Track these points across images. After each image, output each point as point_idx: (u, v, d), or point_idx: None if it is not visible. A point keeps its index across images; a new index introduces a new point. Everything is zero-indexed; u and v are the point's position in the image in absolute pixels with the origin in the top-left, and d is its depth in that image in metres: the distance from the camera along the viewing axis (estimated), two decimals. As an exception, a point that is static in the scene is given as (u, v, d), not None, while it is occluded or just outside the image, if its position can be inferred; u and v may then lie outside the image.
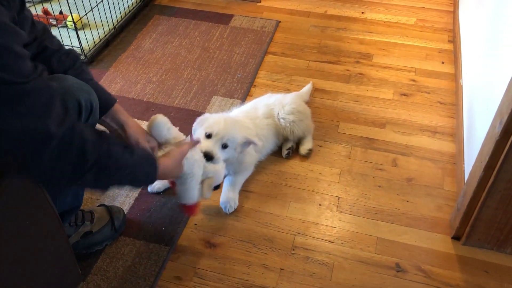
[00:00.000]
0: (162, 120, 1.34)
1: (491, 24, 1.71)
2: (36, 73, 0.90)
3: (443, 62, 2.21)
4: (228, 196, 1.57)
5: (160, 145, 1.35)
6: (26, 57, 0.88)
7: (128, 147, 1.13)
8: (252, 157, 1.65)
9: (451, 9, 2.58)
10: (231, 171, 1.60)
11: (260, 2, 2.67)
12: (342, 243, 1.48)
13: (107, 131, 1.32)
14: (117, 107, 1.30)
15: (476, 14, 2.01)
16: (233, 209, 1.57)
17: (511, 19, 1.44)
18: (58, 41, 1.25)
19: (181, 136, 1.38)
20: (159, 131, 1.33)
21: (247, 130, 1.58)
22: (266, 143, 1.70)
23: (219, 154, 1.45)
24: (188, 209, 1.37)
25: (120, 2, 2.45)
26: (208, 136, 1.47)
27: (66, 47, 1.26)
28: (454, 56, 2.22)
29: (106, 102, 1.27)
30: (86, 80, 1.22)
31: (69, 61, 1.22)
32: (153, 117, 1.34)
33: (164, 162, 1.21)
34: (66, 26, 2.30)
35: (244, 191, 1.62)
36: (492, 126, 1.24)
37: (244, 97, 2.03)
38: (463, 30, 2.20)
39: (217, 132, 1.46)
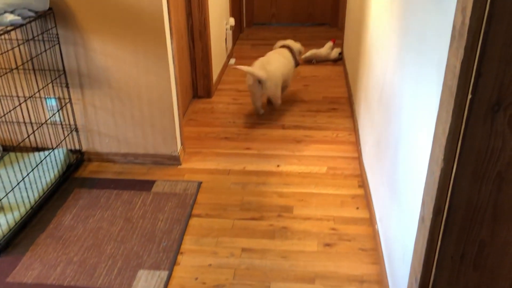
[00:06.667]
0: None
1: (390, 172, 1.89)
2: None
3: (357, 208, 2.36)
4: None
5: None
6: None
7: None
8: None
9: (356, 155, 2.84)
10: None
11: (181, 164, 2.78)
12: None
13: None
14: None
15: (375, 162, 2.22)
16: None
17: (404, 176, 1.62)
18: None
19: None
20: None
21: None
22: None
23: None
24: None
25: (38, 180, 2.42)
26: None
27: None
28: (366, 201, 2.39)
29: None
30: None
31: None
32: None
33: None
34: (-22, 212, 2.21)
35: None
36: (410, 283, 1.31)
37: (171, 267, 1.99)
38: (369, 175, 2.41)
39: None
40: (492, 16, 0.92)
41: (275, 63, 3.22)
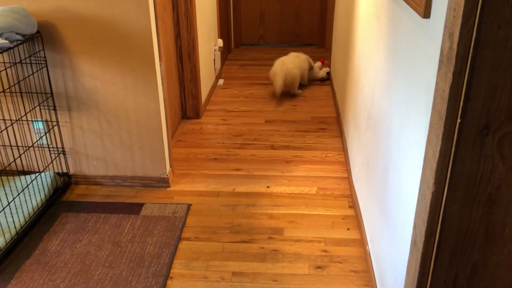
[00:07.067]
0: None
1: (380, 193, 1.89)
2: None
3: (348, 229, 2.35)
4: None
5: None
6: None
7: None
8: None
9: (346, 175, 2.84)
10: None
11: (170, 187, 2.75)
12: None
13: None
14: None
15: (364, 182, 2.23)
16: None
17: (393, 195, 1.62)
18: None
19: None
20: None
21: None
22: None
23: None
24: None
25: (24, 204, 2.38)
26: None
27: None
28: (357, 222, 2.39)
29: None
30: None
31: None
32: None
33: None
34: (-39, 238, 2.16)
35: None
36: (403, 307, 1.30)
37: (161, 292, 1.96)
38: (359, 196, 2.41)
39: None
40: (479, 41, 0.94)
41: (292, 62, 4.02)
